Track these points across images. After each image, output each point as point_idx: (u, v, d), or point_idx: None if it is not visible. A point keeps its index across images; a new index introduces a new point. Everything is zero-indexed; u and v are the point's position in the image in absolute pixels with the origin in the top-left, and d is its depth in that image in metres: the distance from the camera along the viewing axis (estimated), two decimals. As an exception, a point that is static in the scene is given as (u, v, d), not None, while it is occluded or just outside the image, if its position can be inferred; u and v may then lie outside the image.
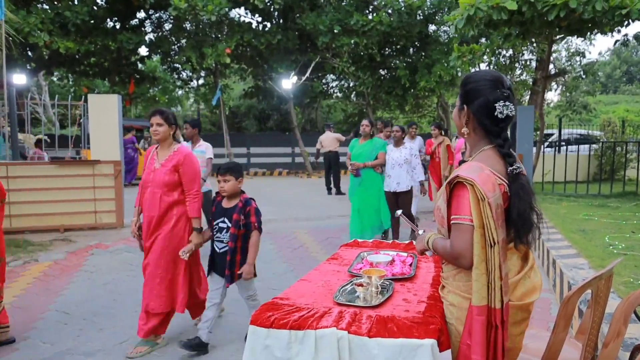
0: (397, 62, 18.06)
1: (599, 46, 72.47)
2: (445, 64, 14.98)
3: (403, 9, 15.86)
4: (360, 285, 2.05)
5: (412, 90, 17.83)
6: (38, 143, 11.54)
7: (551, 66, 13.44)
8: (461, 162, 8.46)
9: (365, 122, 6.45)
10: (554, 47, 12.92)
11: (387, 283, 2.18)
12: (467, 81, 1.87)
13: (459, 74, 15.36)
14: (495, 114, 1.78)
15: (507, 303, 1.71)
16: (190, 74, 21.10)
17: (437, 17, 16.80)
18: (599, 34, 10.48)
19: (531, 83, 14.74)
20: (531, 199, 1.76)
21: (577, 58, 16.24)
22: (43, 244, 6.52)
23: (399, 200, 6.23)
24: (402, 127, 6.72)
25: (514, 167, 1.76)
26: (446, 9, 16.06)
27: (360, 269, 2.42)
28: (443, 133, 8.85)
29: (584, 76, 15.63)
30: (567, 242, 5.30)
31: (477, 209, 1.67)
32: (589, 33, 9.23)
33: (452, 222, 1.76)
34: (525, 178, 1.77)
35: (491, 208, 1.66)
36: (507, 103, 1.77)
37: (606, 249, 4.93)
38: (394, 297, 2.06)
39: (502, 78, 1.82)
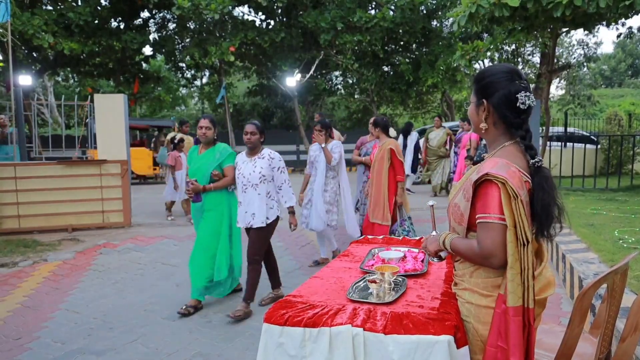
0: (401, 58, 18.01)
1: (599, 36, 71.99)
2: (448, 59, 14.94)
3: (405, 4, 15.81)
4: (373, 281, 2.03)
5: (415, 87, 17.80)
6: (180, 143, 8.23)
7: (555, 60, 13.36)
8: (467, 158, 8.42)
9: (204, 121, 4.21)
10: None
11: (400, 279, 2.17)
12: (483, 76, 1.83)
13: (461, 68, 15.31)
14: (518, 104, 1.75)
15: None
16: (194, 72, 21.13)
17: (439, 12, 16.76)
18: (603, 27, 10.41)
19: (534, 77, 14.68)
20: (554, 191, 1.73)
21: (580, 51, 16.20)
22: (52, 243, 6.55)
23: (250, 240, 4.12)
24: (259, 126, 4.25)
25: (535, 159, 1.73)
26: (448, 4, 16.00)
27: (372, 265, 2.41)
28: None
29: (586, 68, 15.57)
30: (576, 237, 5.27)
31: (509, 208, 1.62)
32: (593, 26, 9.17)
33: (478, 220, 1.70)
34: (547, 171, 1.74)
35: (524, 205, 1.62)
36: (527, 93, 1.76)
37: (616, 243, 4.89)
38: (408, 294, 2.05)
39: (517, 69, 1.81)
